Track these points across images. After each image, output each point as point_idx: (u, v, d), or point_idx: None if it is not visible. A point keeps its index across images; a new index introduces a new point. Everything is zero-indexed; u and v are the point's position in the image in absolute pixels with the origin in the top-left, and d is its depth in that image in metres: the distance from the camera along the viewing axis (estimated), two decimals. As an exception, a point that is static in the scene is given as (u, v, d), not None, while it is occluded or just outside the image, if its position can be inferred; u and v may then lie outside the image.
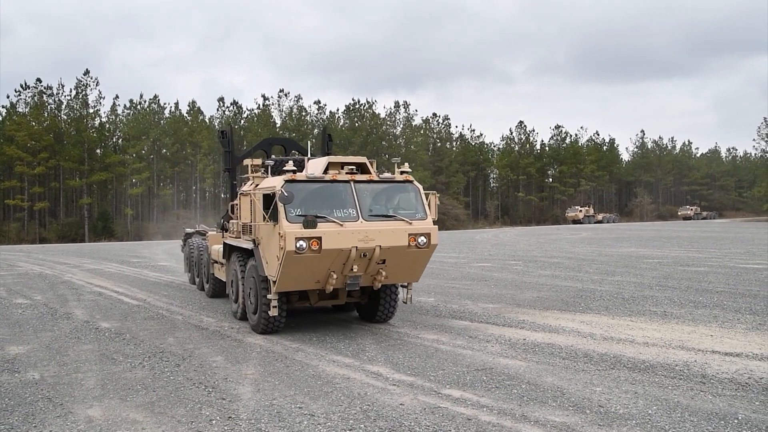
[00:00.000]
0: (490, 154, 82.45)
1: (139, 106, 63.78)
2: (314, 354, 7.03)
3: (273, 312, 7.61)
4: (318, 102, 69.43)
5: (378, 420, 4.79)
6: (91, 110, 56.75)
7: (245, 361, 6.72)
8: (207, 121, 66.17)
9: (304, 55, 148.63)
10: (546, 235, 38.53)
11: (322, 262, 7.27)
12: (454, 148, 76.99)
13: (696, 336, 7.76)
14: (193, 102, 66.82)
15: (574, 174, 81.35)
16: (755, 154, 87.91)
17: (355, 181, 7.69)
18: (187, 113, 65.88)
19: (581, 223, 66.85)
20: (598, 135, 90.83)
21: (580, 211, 68.91)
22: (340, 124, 68.18)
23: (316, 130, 63.76)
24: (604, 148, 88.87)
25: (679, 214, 78.97)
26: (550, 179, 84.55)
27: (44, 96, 55.58)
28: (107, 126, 60.51)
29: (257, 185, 8.62)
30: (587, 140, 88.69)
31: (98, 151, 58.19)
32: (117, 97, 71.11)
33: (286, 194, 7.00)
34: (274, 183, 7.54)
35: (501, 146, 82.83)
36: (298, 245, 6.98)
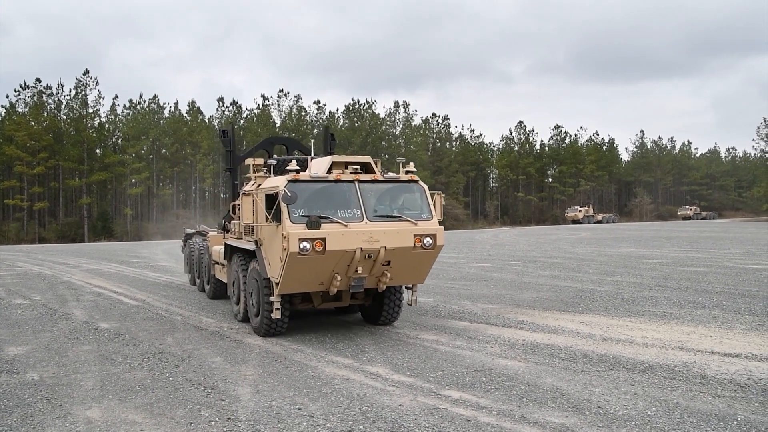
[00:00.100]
0: (489, 154, 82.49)
1: (138, 106, 63.79)
2: (313, 355, 7.03)
3: (276, 315, 7.51)
4: (317, 102, 69.43)
5: (377, 421, 4.79)
6: (90, 110, 56.79)
7: (244, 362, 6.72)
8: (206, 121, 66.20)
9: (303, 55, 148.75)
10: (545, 235, 38.54)
11: (326, 263, 7.15)
12: (454, 148, 77.00)
13: (695, 337, 7.75)
14: (193, 102, 66.89)
15: (574, 174, 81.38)
16: (754, 154, 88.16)
17: (360, 181, 7.56)
18: (186, 113, 65.89)
19: (581, 223, 66.87)
20: (598, 135, 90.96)
21: (580, 211, 68.93)
22: (340, 124, 68.16)
23: (315, 130, 63.76)
24: (604, 148, 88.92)
25: (679, 214, 79.00)
26: (550, 179, 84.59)
27: (44, 96, 55.60)
28: (107, 126, 60.53)
29: (259, 185, 8.50)
30: (587, 140, 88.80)
31: (98, 151, 58.20)
32: (116, 97, 71.16)
33: (289, 194, 6.89)
34: (277, 183, 7.42)
35: (500, 146, 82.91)
36: (301, 246, 6.86)
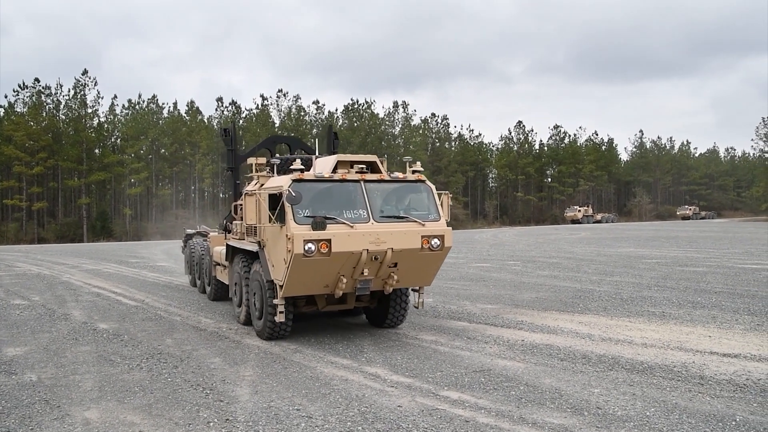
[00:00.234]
0: (488, 154, 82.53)
1: (137, 106, 63.80)
2: (312, 355, 7.02)
3: (279, 318, 7.34)
4: (317, 102, 69.41)
5: (376, 422, 4.78)
6: (89, 110, 56.75)
7: (243, 363, 6.71)
8: (206, 121, 66.18)
9: (303, 55, 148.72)
10: (545, 235, 38.55)
11: (332, 265, 6.97)
12: (453, 148, 77.02)
13: (694, 337, 7.76)
14: (192, 102, 66.88)
15: (573, 174, 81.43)
16: (753, 154, 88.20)
17: (366, 181, 7.37)
18: (185, 113, 65.88)
19: (580, 223, 66.90)
20: (597, 135, 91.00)
21: (579, 211, 68.96)
22: (339, 124, 68.14)
23: (315, 130, 63.77)
24: (603, 148, 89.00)
25: (678, 213, 79.05)
26: (549, 179, 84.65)
27: (42, 96, 55.57)
28: (106, 126, 60.52)
29: (262, 185, 8.33)
30: (586, 140, 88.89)
31: (97, 151, 58.18)
32: (115, 97, 71.33)
33: (293, 194, 6.73)
34: (281, 182, 7.23)
35: (500, 146, 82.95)
36: (306, 248, 6.68)
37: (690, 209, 78.59)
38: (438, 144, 75.88)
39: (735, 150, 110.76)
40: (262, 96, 67.97)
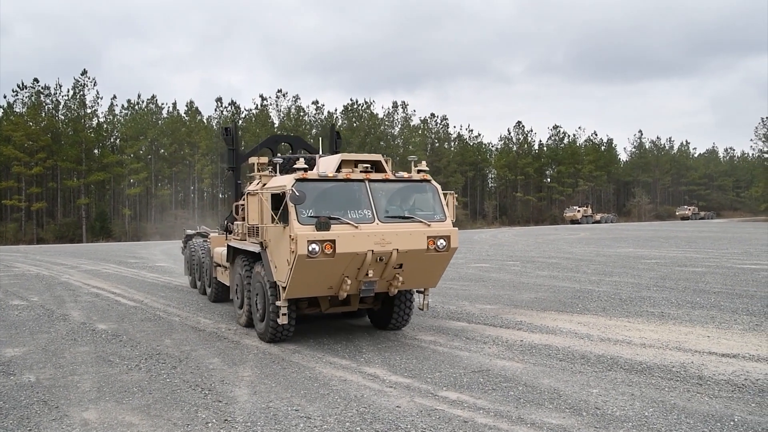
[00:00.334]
0: (488, 154, 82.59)
1: (136, 106, 63.77)
2: (311, 356, 7.02)
3: (282, 320, 7.18)
4: (316, 102, 69.43)
5: (374, 422, 4.78)
6: (88, 110, 56.75)
7: (242, 363, 6.71)
8: (205, 121, 66.18)
9: (302, 55, 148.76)
10: (544, 236, 38.57)
11: (336, 266, 6.83)
12: (453, 149, 77.06)
13: (693, 337, 7.76)
14: (191, 102, 66.96)
15: (572, 174, 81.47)
16: (752, 154, 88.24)
17: (370, 180, 7.24)
18: (185, 113, 65.87)
19: (579, 223, 66.93)
20: (596, 135, 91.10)
21: (578, 211, 68.99)
22: (339, 124, 68.17)
23: (314, 131, 63.78)
24: (602, 148, 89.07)
25: (677, 214, 79.12)
26: (548, 179, 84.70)
27: (42, 96, 55.55)
28: (105, 126, 60.52)
29: (264, 184, 8.18)
30: (585, 140, 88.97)
31: (96, 151, 58.19)
32: (115, 97, 71.37)
33: (297, 194, 6.57)
34: (284, 182, 7.06)
35: (499, 146, 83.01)
36: (310, 249, 6.54)
37: (689, 209, 78.65)
38: (437, 144, 75.91)
39: (734, 150, 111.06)
40: (261, 96, 68.00)
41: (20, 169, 51.06)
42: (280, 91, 69.33)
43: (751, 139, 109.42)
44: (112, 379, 6.12)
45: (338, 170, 7.30)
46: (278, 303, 7.20)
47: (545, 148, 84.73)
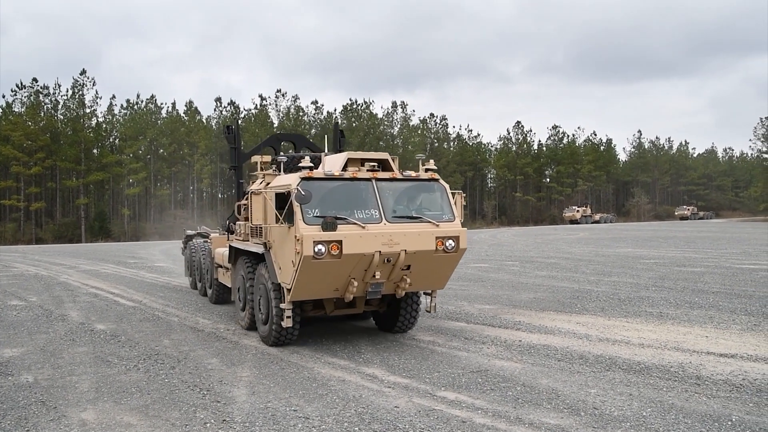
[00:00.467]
0: (487, 154, 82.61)
1: (136, 106, 63.73)
2: (309, 356, 7.02)
3: (287, 323, 7.01)
4: (315, 102, 69.41)
5: (373, 423, 4.78)
6: (87, 110, 56.71)
7: (240, 364, 6.71)
8: (204, 121, 66.15)
9: (302, 55, 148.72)
10: (543, 236, 38.59)
11: (342, 268, 6.66)
12: (452, 149, 77.07)
13: (691, 337, 7.77)
14: (191, 102, 66.91)
15: (572, 174, 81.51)
16: (751, 154, 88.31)
17: (377, 179, 7.06)
18: (184, 113, 65.84)
19: (578, 223, 66.97)
20: (596, 135, 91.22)
21: (578, 211, 69.03)
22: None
23: (313, 131, 63.77)
24: (602, 148, 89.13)
25: (676, 214, 79.18)
26: (548, 179, 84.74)
27: (41, 96, 55.52)
28: (104, 126, 60.46)
29: (268, 183, 8.01)
30: (584, 140, 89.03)
31: (95, 151, 58.16)
32: (114, 96, 71.19)
33: (303, 193, 6.40)
34: (289, 181, 6.87)
35: (498, 146, 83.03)
36: (316, 250, 6.35)
37: (688, 209, 78.71)
38: (437, 144, 75.94)
39: (733, 150, 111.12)
40: (261, 96, 68.02)
41: (19, 168, 51.03)
42: (279, 91, 69.36)
43: (750, 140, 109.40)
44: (110, 380, 6.12)
45: (344, 169, 7.15)
46: (283, 305, 7.02)
47: (544, 148, 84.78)
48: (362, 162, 7.34)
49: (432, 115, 77.21)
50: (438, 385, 5.78)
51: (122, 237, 51.14)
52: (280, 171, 7.91)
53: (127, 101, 63.76)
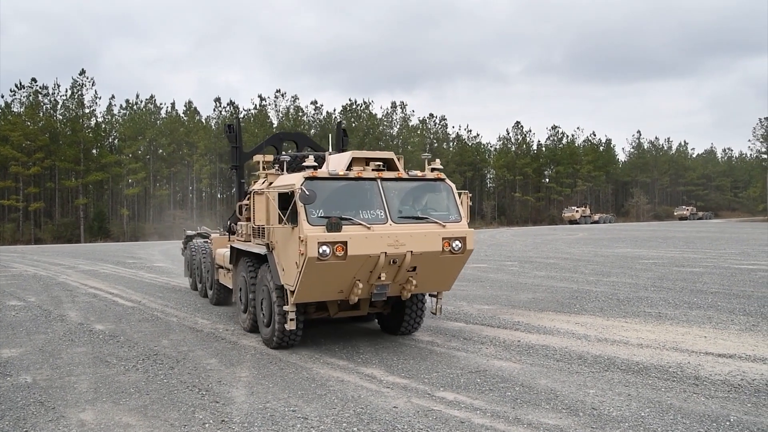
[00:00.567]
0: (486, 154, 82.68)
1: (135, 106, 63.73)
2: (308, 356, 7.02)
3: (290, 325, 6.88)
4: (315, 102, 69.44)
5: (371, 423, 4.79)
6: (86, 110, 56.70)
7: (239, 364, 6.71)
8: (203, 121, 66.15)
9: (300, 54, 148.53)
10: (542, 236, 38.61)
11: (347, 269, 6.52)
12: (451, 149, 77.11)
13: (690, 337, 7.78)
14: (190, 102, 66.90)
15: (571, 174, 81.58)
16: (750, 154, 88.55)
17: (383, 179, 6.94)
18: (183, 113, 65.84)
19: (578, 223, 67.02)
20: (595, 135, 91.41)
21: (577, 211, 69.10)
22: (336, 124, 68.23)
23: (313, 131, 63.77)
24: (601, 148, 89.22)
25: (675, 214, 79.27)
26: (547, 179, 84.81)
27: (39, 96, 55.49)
28: (103, 126, 60.45)
29: (271, 183, 7.86)
30: (584, 141, 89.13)
31: (94, 151, 58.15)
32: (113, 97, 71.12)
33: (307, 193, 6.28)
34: (293, 180, 6.75)
35: (498, 146, 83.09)
36: (321, 251, 6.23)
37: (687, 210, 78.82)
38: (436, 144, 75.97)
39: (732, 150, 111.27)
40: (260, 96, 67.99)
41: (18, 169, 50.99)
42: (278, 91, 69.39)
43: (749, 140, 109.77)
44: (109, 380, 6.12)
45: (349, 168, 7.01)
46: (286, 308, 6.89)
47: (544, 149, 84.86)
48: (367, 161, 7.22)
49: (431, 115, 77.34)
50: (437, 386, 5.78)
51: (121, 237, 51.12)
52: (283, 170, 7.76)
53: (127, 101, 63.85)
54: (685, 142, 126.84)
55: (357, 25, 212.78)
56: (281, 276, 6.98)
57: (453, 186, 7.35)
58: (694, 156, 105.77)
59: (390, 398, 5.41)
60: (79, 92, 56.03)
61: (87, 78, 56.28)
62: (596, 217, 70.78)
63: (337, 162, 7.23)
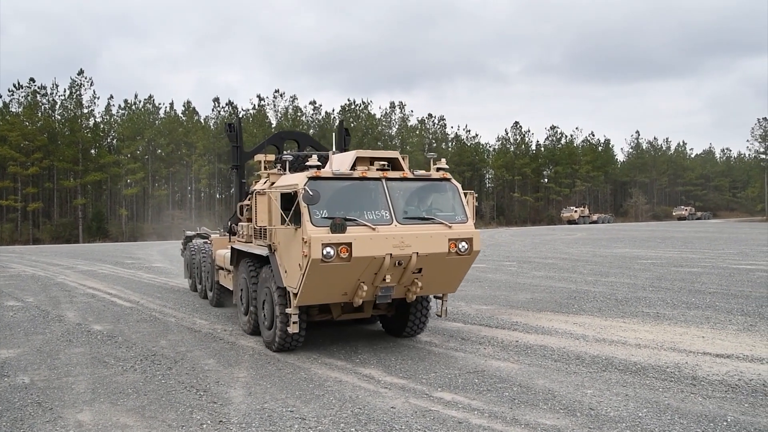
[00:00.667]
0: (485, 154, 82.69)
1: (133, 106, 63.67)
2: (306, 356, 7.02)
3: (293, 329, 6.74)
4: (314, 102, 69.42)
5: (369, 423, 4.79)
6: (85, 110, 56.65)
7: (237, 364, 6.71)
8: (202, 121, 66.11)
9: (299, 54, 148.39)
10: (541, 236, 38.63)
11: (352, 271, 6.40)
12: (450, 149, 77.11)
13: (688, 337, 7.79)
14: (188, 102, 66.79)
15: (570, 174, 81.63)
16: (749, 154, 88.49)
17: (387, 179, 6.81)
18: (182, 113, 65.79)
19: (576, 223, 67.06)
20: (593, 135, 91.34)
21: (576, 211, 69.15)
22: (336, 124, 68.21)
23: (311, 131, 63.76)
24: (600, 148, 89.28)
25: (674, 214, 79.36)
26: (546, 180, 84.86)
27: (38, 96, 55.40)
28: (102, 126, 60.38)
29: (273, 183, 7.74)
30: (582, 141, 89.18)
31: (93, 151, 58.06)
32: (111, 97, 71.01)
33: (311, 193, 6.16)
34: (296, 180, 6.63)
35: (496, 147, 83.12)
36: (324, 252, 6.09)
37: (686, 210, 78.92)
38: (435, 144, 75.97)
39: (731, 151, 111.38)
40: (258, 96, 67.96)
41: (16, 169, 50.91)
42: (277, 91, 69.33)
43: (748, 140, 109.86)
44: (107, 381, 6.11)
45: (353, 168, 6.89)
46: (289, 310, 6.77)
47: (542, 149, 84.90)
48: (371, 161, 7.09)
49: (430, 115, 77.33)
50: (435, 386, 5.78)
51: (120, 237, 51.06)
52: (285, 170, 7.61)
53: (125, 101, 63.77)
54: (683, 142, 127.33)
55: (357, 25, 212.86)
56: (284, 278, 6.86)
57: (459, 186, 7.25)
58: (692, 156, 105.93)
59: (388, 398, 5.41)
60: (78, 92, 55.95)
61: (85, 78, 56.24)
62: (595, 217, 70.84)
63: (340, 161, 7.11)
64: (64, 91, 56.36)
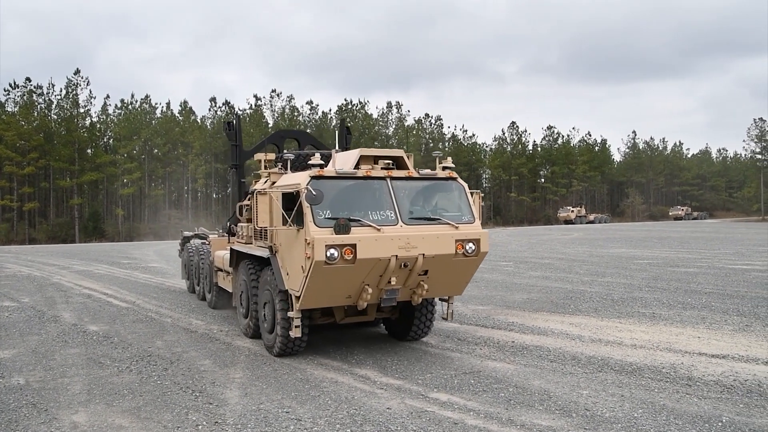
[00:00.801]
0: (482, 154, 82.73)
1: (130, 106, 63.51)
2: (302, 357, 7.01)
3: (295, 333, 6.50)
4: (310, 102, 69.38)
5: (365, 424, 4.79)
6: (81, 110, 56.45)
7: (233, 365, 6.70)
8: (199, 121, 65.98)
9: (296, 54, 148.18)
10: (538, 236, 38.68)
11: (356, 274, 6.20)
12: (447, 149, 77.12)
13: (683, 338, 7.81)
14: (185, 102, 66.63)
15: (566, 174, 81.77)
16: (745, 155, 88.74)
17: (392, 178, 6.62)
18: (178, 113, 65.65)
19: (573, 223, 67.18)
20: (590, 136, 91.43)
21: (572, 211, 69.28)
22: (333, 124, 68.19)
23: (308, 131, 63.66)
24: (596, 148, 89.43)
25: (670, 214, 79.56)
26: (542, 180, 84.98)
27: (34, 95, 55.21)
28: (98, 126, 60.22)
29: (274, 182, 7.54)
30: (579, 141, 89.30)
31: (89, 151, 57.89)
32: (108, 96, 70.81)
33: (314, 193, 5.94)
34: (298, 180, 6.41)
35: (493, 147, 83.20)
36: (328, 254, 5.89)
37: (682, 210, 79.12)
38: (431, 144, 75.98)
39: (727, 151, 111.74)
40: (255, 96, 67.90)
41: (12, 168, 50.72)
42: (274, 90, 69.26)
43: (744, 140, 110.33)
44: (102, 382, 6.10)
45: (357, 167, 6.69)
46: (291, 314, 6.54)
47: (539, 149, 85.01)
48: (375, 159, 6.91)
49: (427, 115, 77.32)
50: (430, 387, 5.78)
51: (116, 237, 50.93)
52: (287, 169, 7.39)
53: (122, 101, 63.55)
54: (680, 142, 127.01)
55: (354, 24, 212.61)
56: (285, 281, 6.64)
57: (465, 185, 7.09)
58: (689, 156, 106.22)
59: (384, 399, 5.41)
60: (74, 92, 55.74)
61: (82, 77, 56.00)
62: (591, 217, 70.98)
63: (344, 160, 6.91)
64: (61, 91, 56.17)
